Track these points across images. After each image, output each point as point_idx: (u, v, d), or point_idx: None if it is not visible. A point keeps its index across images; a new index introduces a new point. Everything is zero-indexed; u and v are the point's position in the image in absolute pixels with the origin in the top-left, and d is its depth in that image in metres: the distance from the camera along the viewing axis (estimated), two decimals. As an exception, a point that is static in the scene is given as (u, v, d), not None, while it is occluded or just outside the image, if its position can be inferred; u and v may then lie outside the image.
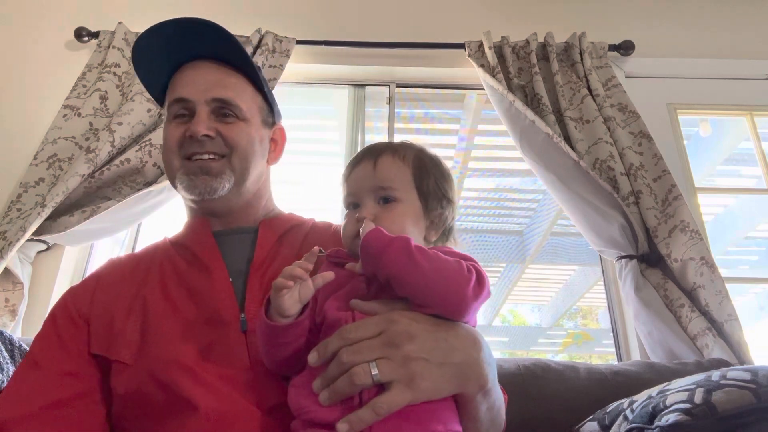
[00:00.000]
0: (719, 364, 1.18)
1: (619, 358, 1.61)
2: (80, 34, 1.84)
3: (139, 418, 0.69)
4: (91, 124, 1.61)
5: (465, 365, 0.60)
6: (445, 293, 0.60)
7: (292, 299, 0.59)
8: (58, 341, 0.75)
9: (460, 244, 0.76)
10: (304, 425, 0.60)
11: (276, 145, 0.95)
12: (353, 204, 0.73)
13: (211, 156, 0.81)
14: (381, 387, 0.56)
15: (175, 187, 0.85)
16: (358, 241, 0.66)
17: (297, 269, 0.60)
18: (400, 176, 0.72)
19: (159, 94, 0.92)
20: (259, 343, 0.66)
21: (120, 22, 1.81)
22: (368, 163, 0.72)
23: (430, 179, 0.73)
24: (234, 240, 0.84)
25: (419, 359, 0.57)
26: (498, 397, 0.67)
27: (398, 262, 0.59)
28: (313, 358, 0.59)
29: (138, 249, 0.91)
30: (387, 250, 0.60)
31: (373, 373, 0.55)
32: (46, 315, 0.80)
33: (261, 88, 0.90)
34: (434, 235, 0.74)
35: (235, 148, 0.83)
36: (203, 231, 0.84)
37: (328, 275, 0.62)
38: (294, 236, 0.85)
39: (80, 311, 0.77)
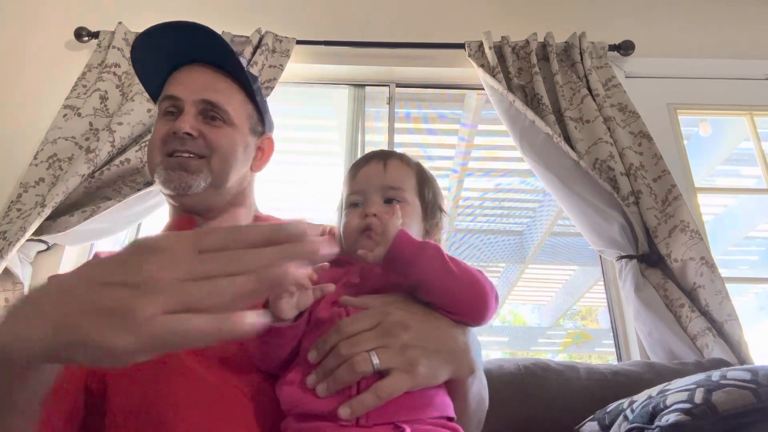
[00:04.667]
0: (719, 364, 1.18)
1: (619, 358, 1.61)
2: (80, 34, 1.84)
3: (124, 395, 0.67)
4: (91, 124, 1.61)
5: (458, 350, 0.64)
6: (474, 302, 0.63)
7: (289, 305, 0.59)
8: None
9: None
10: (297, 419, 0.59)
11: (263, 153, 0.96)
12: (356, 203, 0.74)
13: (191, 155, 0.83)
14: (378, 376, 0.57)
15: (153, 181, 0.86)
16: (362, 238, 0.68)
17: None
18: (407, 180, 0.75)
19: (156, 93, 0.93)
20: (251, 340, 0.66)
21: (120, 22, 1.81)
22: (378, 164, 0.75)
23: (430, 189, 0.78)
24: None
25: (416, 347, 0.60)
26: (482, 378, 0.71)
27: (432, 268, 0.61)
28: (312, 355, 0.60)
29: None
30: (420, 255, 0.61)
31: (373, 362, 0.57)
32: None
33: (253, 97, 0.91)
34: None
35: (215, 150, 0.84)
36: (187, 227, 0.84)
37: (329, 287, 0.61)
38: None
39: None
